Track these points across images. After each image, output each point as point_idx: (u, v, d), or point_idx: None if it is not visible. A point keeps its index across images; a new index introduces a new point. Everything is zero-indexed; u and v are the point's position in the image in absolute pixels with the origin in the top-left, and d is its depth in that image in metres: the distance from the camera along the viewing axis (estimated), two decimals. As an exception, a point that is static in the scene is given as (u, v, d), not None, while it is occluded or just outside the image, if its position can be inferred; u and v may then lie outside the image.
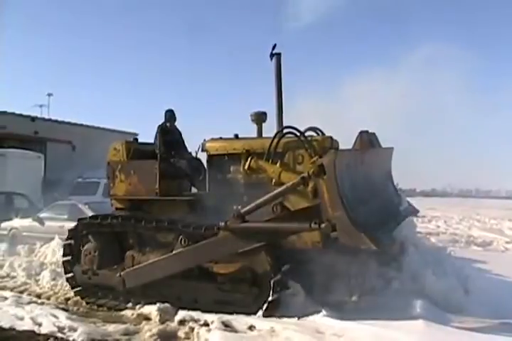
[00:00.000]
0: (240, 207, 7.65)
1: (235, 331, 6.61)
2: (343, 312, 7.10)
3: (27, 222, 14.51)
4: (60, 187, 20.17)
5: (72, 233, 9.11)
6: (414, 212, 10.28)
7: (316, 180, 6.64)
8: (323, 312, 6.91)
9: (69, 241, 9.12)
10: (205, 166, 8.90)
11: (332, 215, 6.44)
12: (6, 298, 8.24)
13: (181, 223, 8.01)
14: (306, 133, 8.12)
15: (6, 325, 6.82)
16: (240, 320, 6.86)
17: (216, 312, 7.24)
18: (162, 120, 9.54)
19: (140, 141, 9.89)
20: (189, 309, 7.48)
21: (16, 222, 15.03)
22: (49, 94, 36.94)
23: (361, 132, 8.03)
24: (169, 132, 9.49)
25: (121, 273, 8.23)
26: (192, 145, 9.77)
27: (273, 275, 7.24)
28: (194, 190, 9.44)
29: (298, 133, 7.90)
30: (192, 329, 6.85)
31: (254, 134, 9.30)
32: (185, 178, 9.27)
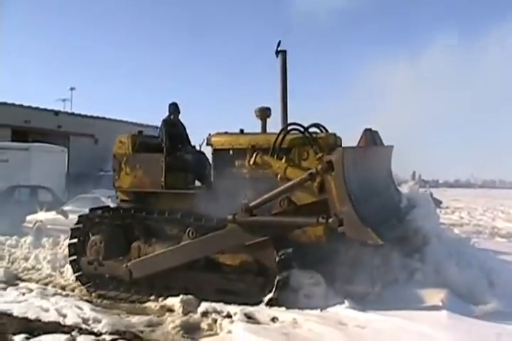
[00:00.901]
0: (246, 200, 7.69)
1: (258, 322, 6.62)
2: (365, 303, 7.08)
3: (51, 215, 14.65)
4: (83, 181, 20.33)
5: (82, 223, 9.27)
6: (437, 203, 10.23)
7: (324, 176, 6.77)
8: (346, 303, 6.90)
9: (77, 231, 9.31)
10: (210, 160, 9.00)
11: (339, 210, 6.60)
12: (31, 290, 8.34)
13: (190, 215, 8.12)
14: (310, 130, 8.19)
15: (32, 316, 6.89)
16: (262, 312, 6.87)
17: (220, 301, 7.41)
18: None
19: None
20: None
21: (41, 215, 15.18)
22: (72, 89, 37.29)
23: (365, 130, 8.09)
24: (173, 125, 9.55)
25: (128, 264, 8.33)
26: (194, 139, 9.92)
27: (278, 265, 7.40)
28: (197, 183, 9.59)
29: (303, 130, 8.04)
30: (215, 320, 6.88)
31: (257, 129, 9.39)
32: (189, 171, 9.33)
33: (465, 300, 7.20)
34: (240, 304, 7.27)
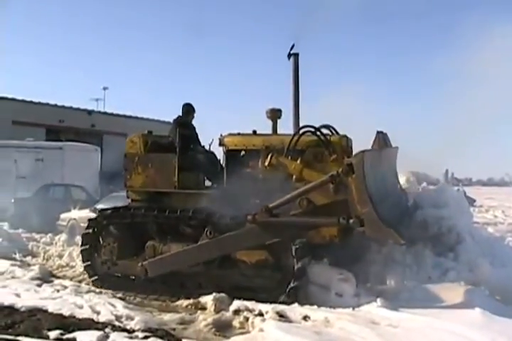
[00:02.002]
0: (258, 201, 7.75)
1: (290, 321, 6.61)
2: (398, 302, 7.04)
3: (85, 213, 14.78)
4: (116, 179, 20.51)
5: (95, 222, 9.26)
6: (471, 201, 10.14)
7: (344, 178, 6.86)
8: (378, 302, 6.86)
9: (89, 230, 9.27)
10: (222, 160, 9.07)
11: (360, 211, 6.72)
12: (65, 287, 8.43)
13: (208, 215, 8.13)
14: (323, 132, 8.33)
15: (66, 312, 6.97)
16: (294, 310, 6.86)
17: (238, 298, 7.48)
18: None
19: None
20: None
21: (74, 213, 15.36)
22: (105, 88, 37.71)
23: (378, 132, 8.10)
24: (185, 125, 9.52)
25: (144, 263, 8.29)
26: (203, 138, 9.95)
27: (296, 260, 7.51)
28: (207, 182, 9.64)
29: (318, 132, 8.21)
30: (247, 318, 6.87)
31: (265, 129, 9.49)
32: (201, 171, 9.32)
33: (499, 299, 7.13)
34: (257, 300, 7.32)
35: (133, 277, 8.69)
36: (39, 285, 8.46)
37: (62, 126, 29.34)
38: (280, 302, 7.27)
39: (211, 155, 9.63)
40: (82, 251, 9.22)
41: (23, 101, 28.78)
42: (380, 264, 7.96)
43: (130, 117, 32.13)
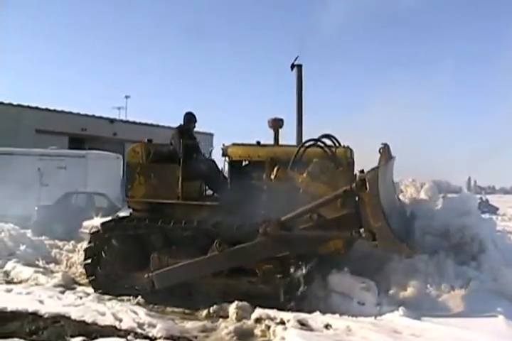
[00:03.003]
0: (265, 213, 7.95)
1: (311, 329, 6.60)
2: (420, 311, 7.00)
3: (107, 220, 14.86)
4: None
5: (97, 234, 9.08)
6: (494, 209, 10.10)
7: (358, 193, 7.17)
8: (400, 311, 6.84)
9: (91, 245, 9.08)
10: (226, 171, 9.08)
11: (373, 226, 7.00)
12: (88, 294, 8.47)
13: (219, 227, 8.12)
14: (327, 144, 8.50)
15: (89, 319, 7.01)
16: (315, 319, 6.85)
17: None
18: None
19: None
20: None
21: (97, 221, 15.42)
22: (126, 97, 37.93)
23: (385, 145, 8.09)
24: (188, 135, 9.50)
25: (150, 275, 8.19)
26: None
27: (303, 267, 7.59)
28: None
29: (323, 145, 8.41)
30: (268, 327, 6.87)
31: (262, 137, 9.52)
32: (203, 180, 9.36)
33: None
34: (265, 307, 7.34)
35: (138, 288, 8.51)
36: (62, 292, 8.52)
37: (85, 135, 29.63)
38: (288, 309, 7.31)
39: (212, 164, 9.63)
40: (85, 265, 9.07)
41: (46, 109, 29.12)
42: (401, 273, 7.92)
43: (152, 125, 32.35)
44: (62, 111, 29.74)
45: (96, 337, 6.26)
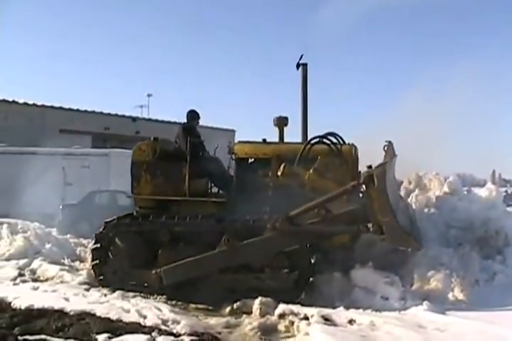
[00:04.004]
0: (272, 209, 8.19)
1: (335, 325, 6.58)
2: (445, 306, 6.96)
3: (130, 218, 14.93)
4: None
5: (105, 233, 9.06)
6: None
7: (366, 188, 7.39)
8: (425, 305, 6.80)
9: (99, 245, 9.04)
10: (232, 168, 9.23)
11: (381, 220, 7.24)
12: (113, 291, 8.54)
13: (227, 223, 8.22)
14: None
15: (113, 316, 7.06)
16: (339, 314, 6.83)
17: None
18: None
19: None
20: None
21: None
22: (149, 95, 38.02)
23: (389, 143, 8.28)
24: (193, 132, 9.56)
25: (158, 271, 8.20)
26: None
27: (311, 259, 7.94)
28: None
29: (329, 142, 8.51)
30: (292, 322, 6.85)
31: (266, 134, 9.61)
32: (208, 178, 9.46)
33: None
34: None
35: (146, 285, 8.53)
36: (87, 290, 8.58)
37: (108, 134, 29.81)
38: (298, 303, 7.40)
39: (217, 161, 9.75)
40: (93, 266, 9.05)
41: (69, 109, 29.35)
42: (425, 267, 7.87)
43: (174, 123, 32.39)
44: (85, 111, 29.96)
45: (121, 334, 6.29)
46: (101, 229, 9.04)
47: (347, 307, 7.09)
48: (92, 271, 9.07)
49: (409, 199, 9.76)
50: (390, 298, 7.28)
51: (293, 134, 10.28)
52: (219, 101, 69.13)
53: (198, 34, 76.93)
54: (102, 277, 8.86)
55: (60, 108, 29.03)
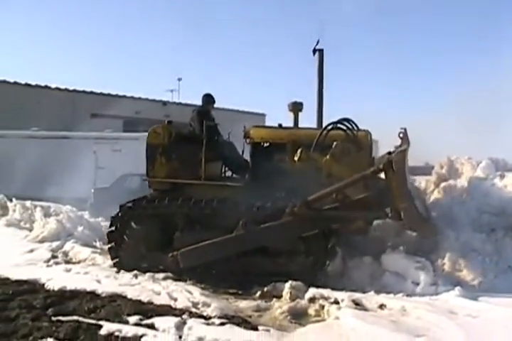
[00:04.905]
0: (287, 194, 8.21)
1: (365, 309, 6.57)
2: (477, 292, 6.88)
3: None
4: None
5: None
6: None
7: (384, 174, 7.47)
8: (456, 291, 6.74)
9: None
10: (247, 152, 9.25)
11: (400, 206, 7.34)
12: (143, 274, 8.62)
13: (245, 206, 8.19)
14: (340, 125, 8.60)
15: (144, 299, 7.12)
16: (370, 299, 6.81)
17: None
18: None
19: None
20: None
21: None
22: (179, 79, 38.09)
23: (404, 129, 8.16)
24: (208, 116, 9.59)
25: (174, 254, 8.19)
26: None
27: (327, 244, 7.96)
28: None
29: (345, 128, 8.54)
30: (322, 306, 6.83)
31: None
32: (223, 162, 9.55)
33: None
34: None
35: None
36: (118, 272, 8.68)
37: (139, 118, 30.00)
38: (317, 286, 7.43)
39: (232, 145, 9.81)
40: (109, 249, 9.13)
41: (101, 94, 29.63)
42: (457, 252, 7.79)
43: (204, 107, 32.44)
44: (116, 95, 30.22)
45: (152, 316, 6.34)
46: (116, 212, 9.08)
47: (377, 292, 7.08)
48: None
49: (442, 185, 9.63)
50: (421, 283, 7.22)
51: (307, 120, 10.44)
52: (249, 85, 68.95)
53: (228, 15, 76.52)
54: (117, 260, 8.96)
55: (92, 92, 29.35)
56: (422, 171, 12.83)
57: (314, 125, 10.41)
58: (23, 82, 27.23)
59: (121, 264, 8.87)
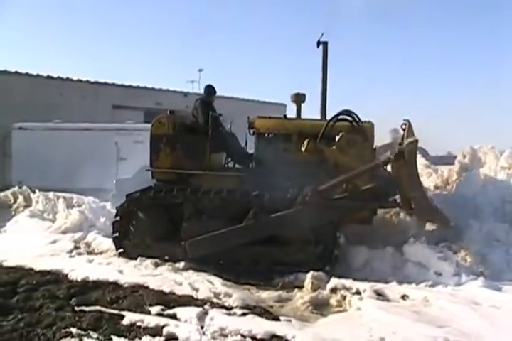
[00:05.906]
0: (294, 184, 8.13)
1: (388, 300, 6.56)
2: (500, 282, 6.82)
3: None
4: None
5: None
6: None
7: (396, 164, 7.58)
8: (479, 282, 6.68)
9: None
10: (252, 143, 9.29)
11: (410, 195, 7.56)
12: (165, 264, 8.65)
13: (254, 196, 8.16)
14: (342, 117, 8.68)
15: (166, 289, 7.15)
16: (392, 289, 6.79)
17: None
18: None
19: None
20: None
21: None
22: (200, 70, 38.03)
23: (407, 121, 8.15)
24: (211, 107, 9.64)
25: (183, 243, 8.22)
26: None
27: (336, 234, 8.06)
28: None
29: (351, 120, 8.61)
30: (344, 297, 6.84)
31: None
32: (226, 152, 9.57)
33: None
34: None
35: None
36: (140, 263, 8.71)
37: (160, 109, 29.98)
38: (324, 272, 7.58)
39: (234, 136, 9.81)
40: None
41: (122, 85, 29.67)
42: (481, 243, 7.73)
43: (224, 98, 32.44)
44: (137, 87, 30.24)
45: (173, 306, 6.39)
46: (122, 203, 9.20)
47: (400, 283, 7.07)
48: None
49: (464, 174, 9.54)
50: (444, 273, 7.18)
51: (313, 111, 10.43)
52: (270, 75, 68.75)
53: (246, 7, 76.22)
54: (122, 250, 9.00)
55: (113, 84, 29.37)
56: (445, 161, 12.73)
57: (317, 116, 10.34)
58: (45, 74, 27.34)
59: (126, 254, 8.93)
